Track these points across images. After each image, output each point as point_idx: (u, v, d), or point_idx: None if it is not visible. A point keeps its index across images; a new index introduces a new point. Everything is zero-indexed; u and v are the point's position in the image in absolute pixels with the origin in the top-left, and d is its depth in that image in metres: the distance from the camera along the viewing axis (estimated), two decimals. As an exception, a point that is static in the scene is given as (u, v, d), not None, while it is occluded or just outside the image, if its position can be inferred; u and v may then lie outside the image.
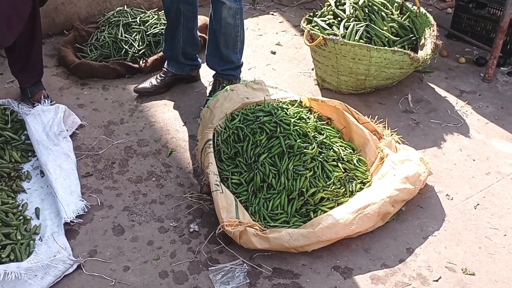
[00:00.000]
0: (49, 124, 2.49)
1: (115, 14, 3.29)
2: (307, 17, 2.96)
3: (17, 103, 2.64)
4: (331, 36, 2.69)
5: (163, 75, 2.91)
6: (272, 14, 3.76)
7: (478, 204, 2.24)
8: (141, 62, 3.08)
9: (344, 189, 2.18)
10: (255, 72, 3.11)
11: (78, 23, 3.30)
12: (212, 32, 2.67)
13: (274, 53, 3.32)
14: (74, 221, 2.08)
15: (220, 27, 2.59)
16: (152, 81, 2.90)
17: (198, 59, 2.96)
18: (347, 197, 2.16)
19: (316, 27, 2.85)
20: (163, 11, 3.30)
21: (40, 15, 2.60)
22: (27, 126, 2.47)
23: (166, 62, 2.92)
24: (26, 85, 2.75)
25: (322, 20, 2.87)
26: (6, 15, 2.34)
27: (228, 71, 2.77)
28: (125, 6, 3.42)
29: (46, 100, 2.67)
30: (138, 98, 2.88)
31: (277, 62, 3.23)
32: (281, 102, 2.44)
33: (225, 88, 2.50)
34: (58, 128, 2.49)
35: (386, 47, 2.71)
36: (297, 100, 2.49)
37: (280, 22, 3.67)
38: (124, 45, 3.12)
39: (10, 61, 2.70)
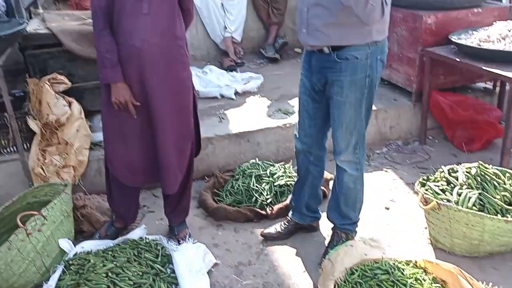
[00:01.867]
0: (191, 261, 2.92)
1: (249, 166, 3.87)
2: (421, 180, 3.25)
3: (166, 239, 3.16)
4: (444, 202, 2.93)
5: (287, 223, 3.30)
6: (386, 171, 4.11)
7: None
8: (268, 209, 3.52)
9: None
10: (369, 227, 3.38)
11: (218, 172, 3.92)
12: (335, 191, 3.06)
13: (387, 208, 3.60)
14: None
15: (342, 189, 2.98)
16: (277, 228, 3.30)
17: (319, 211, 3.34)
18: None
19: (430, 191, 3.12)
20: (288, 164, 3.85)
21: (193, 165, 3.20)
22: (173, 260, 2.92)
23: (291, 211, 3.33)
24: (174, 224, 3.28)
25: (435, 185, 3.15)
26: (180, 166, 2.97)
27: (346, 226, 3.08)
28: (257, 158, 4.00)
29: (190, 239, 3.16)
30: (263, 242, 3.27)
31: (390, 219, 3.49)
32: (397, 261, 2.67)
33: (345, 243, 2.80)
34: (199, 265, 2.91)
35: (499, 216, 2.87)
36: (412, 261, 2.70)
37: (393, 179, 3.99)
38: (254, 194, 3.62)
39: (165, 204, 3.28)
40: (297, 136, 3.08)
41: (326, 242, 3.19)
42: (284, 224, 3.31)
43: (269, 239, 3.28)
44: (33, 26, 3.63)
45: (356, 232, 3.14)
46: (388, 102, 4.50)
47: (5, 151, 3.51)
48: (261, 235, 3.30)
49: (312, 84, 2.82)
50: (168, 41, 2.77)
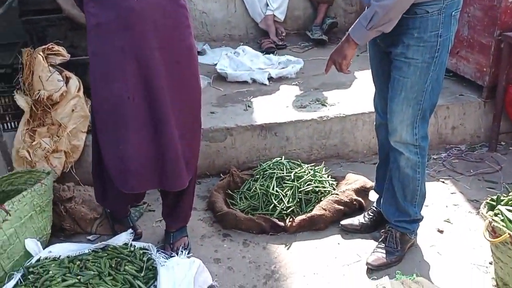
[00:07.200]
0: (180, 280, 2.32)
1: (271, 165, 3.21)
2: (488, 200, 2.46)
3: (156, 249, 2.57)
4: (521, 234, 2.15)
5: (372, 214, 2.82)
6: (443, 182, 3.31)
7: None
8: (287, 221, 2.86)
9: None
10: (414, 257, 2.62)
11: (234, 169, 3.28)
12: (389, 178, 2.52)
13: (441, 232, 2.82)
14: None
15: (398, 175, 2.44)
16: (360, 219, 2.82)
17: None
18: None
19: (500, 217, 2.33)
20: (321, 166, 3.18)
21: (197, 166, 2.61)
22: (158, 278, 2.34)
23: (375, 201, 2.87)
24: (171, 230, 2.72)
25: (509, 210, 2.35)
26: (186, 159, 2.40)
27: (403, 224, 2.56)
28: (283, 156, 3.33)
29: (184, 251, 2.54)
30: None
31: (444, 245, 2.71)
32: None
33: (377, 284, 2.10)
34: (188, 286, 2.32)
35: None
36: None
37: (452, 193, 3.19)
38: (273, 200, 2.96)
39: (163, 204, 2.72)
40: (376, 109, 2.63)
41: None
42: (369, 215, 2.82)
43: (350, 231, 2.81)
44: (30, -14, 3.16)
45: (415, 234, 2.62)
46: (451, 97, 3.67)
47: (-14, 129, 3.06)
48: (341, 226, 2.82)
49: (379, 47, 2.35)
50: (171, 2, 2.22)
